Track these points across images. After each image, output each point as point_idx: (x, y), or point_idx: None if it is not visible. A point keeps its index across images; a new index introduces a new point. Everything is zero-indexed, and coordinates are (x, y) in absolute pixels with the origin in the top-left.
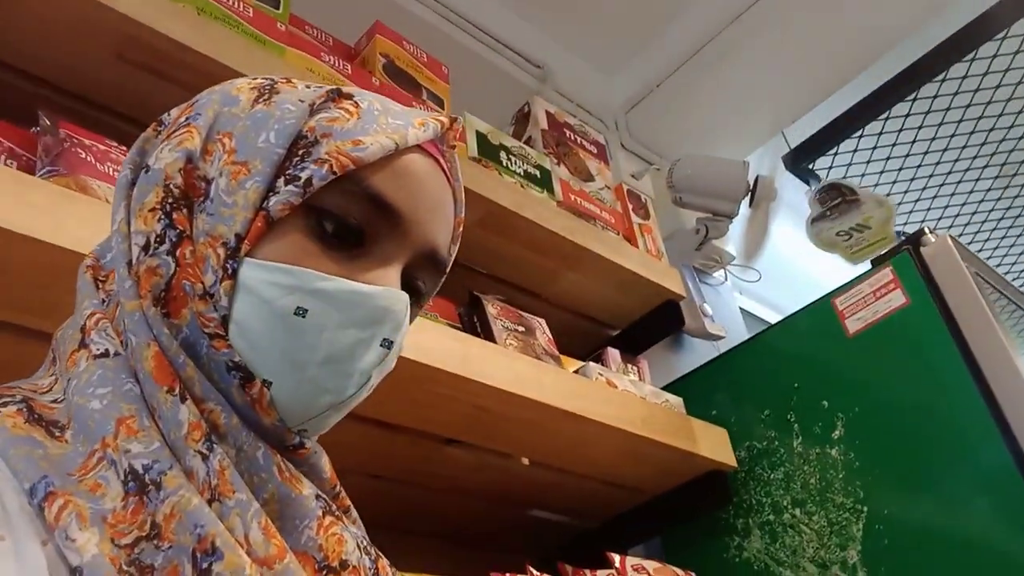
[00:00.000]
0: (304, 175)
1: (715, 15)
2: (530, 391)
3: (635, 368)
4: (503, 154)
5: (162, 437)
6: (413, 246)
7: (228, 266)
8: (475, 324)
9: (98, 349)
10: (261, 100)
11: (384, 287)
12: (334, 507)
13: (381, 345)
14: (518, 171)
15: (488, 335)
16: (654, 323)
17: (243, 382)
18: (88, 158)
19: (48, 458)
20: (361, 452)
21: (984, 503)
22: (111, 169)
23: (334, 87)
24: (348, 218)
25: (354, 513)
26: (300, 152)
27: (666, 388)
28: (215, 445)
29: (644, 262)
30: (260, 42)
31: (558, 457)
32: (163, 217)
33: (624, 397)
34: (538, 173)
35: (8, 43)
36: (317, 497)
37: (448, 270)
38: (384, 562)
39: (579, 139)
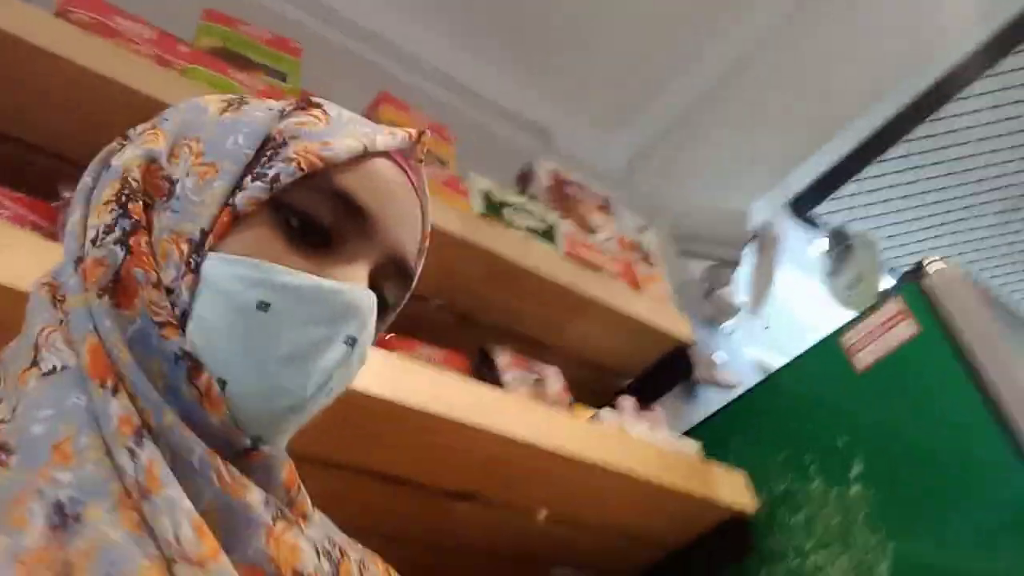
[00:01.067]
0: (272, 172)
1: (711, 71)
2: (543, 440)
3: (650, 416)
4: (507, 210)
5: (99, 452)
6: (380, 249)
7: (192, 260)
8: (486, 376)
9: (47, 366)
10: (230, 109)
11: (350, 283)
12: (288, 512)
13: (344, 343)
14: (522, 225)
15: (500, 386)
16: (666, 370)
17: (189, 373)
18: None
19: None
20: (370, 510)
21: (1010, 537)
22: None
23: (305, 96)
24: (316, 216)
25: (317, 516)
26: (268, 152)
27: (684, 435)
28: (145, 440)
29: (652, 309)
30: None
31: (575, 510)
32: (116, 208)
33: (640, 444)
34: (542, 227)
35: (31, 122)
36: (267, 503)
37: (414, 283)
38: (350, 564)
39: (582, 195)
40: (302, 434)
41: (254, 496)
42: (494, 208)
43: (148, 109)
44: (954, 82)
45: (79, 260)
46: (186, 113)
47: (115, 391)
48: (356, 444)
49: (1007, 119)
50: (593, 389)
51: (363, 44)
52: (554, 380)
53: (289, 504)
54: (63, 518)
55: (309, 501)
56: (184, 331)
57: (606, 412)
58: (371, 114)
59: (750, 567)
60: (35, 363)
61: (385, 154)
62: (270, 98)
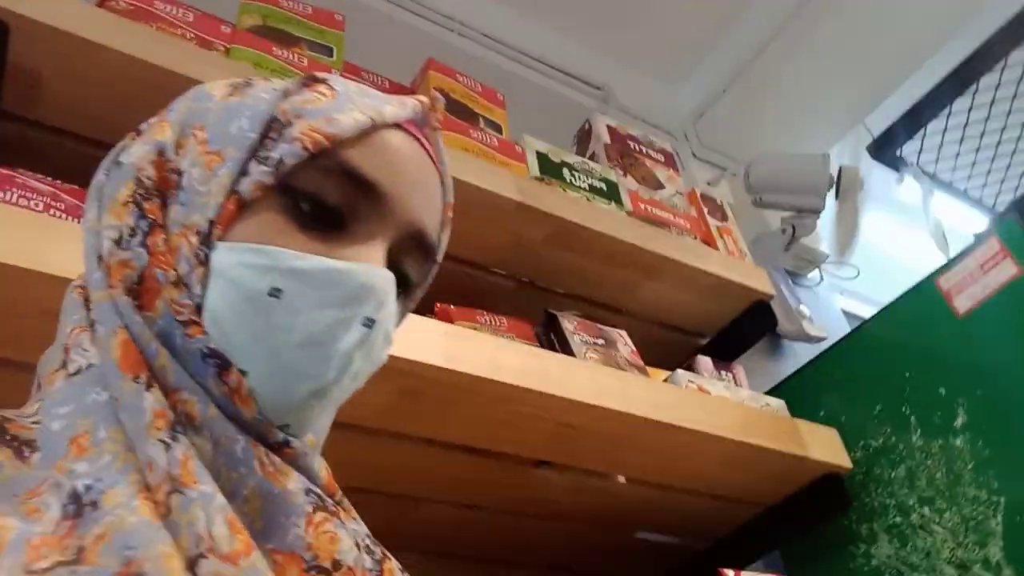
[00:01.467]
0: (276, 155)
1: (774, 13)
2: (615, 402)
3: (730, 375)
4: (566, 171)
5: (118, 446)
6: (397, 225)
7: (200, 252)
8: (553, 342)
9: (73, 367)
10: (235, 93)
11: (365, 264)
12: (328, 502)
13: (363, 324)
14: (583, 186)
15: (567, 351)
16: (745, 327)
17: (219, 370)
18: None
19: (2, 476)
20: (452, 481)
21: None
22: None
23: (309, 74)
24: (326, 197)
25: (361, 526)
26: (272, 135)
27: (767, 394)
28: (180, 435)
29: (726, 264)
30: None
31: (656, 472)
32: (135, 208)
33: (720, 403)
34: (604, 186)
35: (79, 116)
36: (307, 492)
37: (439, 258)
38: (393, 564)
39: (645, 149)
40: (370, 408)
41: (295, 484)
42: (553, 170)
43: None
44: None
45: (101, 257)
46: (191, 101)
47: (149, 385)
48: (425, 416)
49: None
50: (669, 350)
51: (407, 12)
52: (623, 343)
53: (337, 503)
54: (79, 506)
55: (354, 511)
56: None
57: (681, 373)
58: (419, 82)
59: (850, 524)
60: (63, 365)
61: (396, 126)
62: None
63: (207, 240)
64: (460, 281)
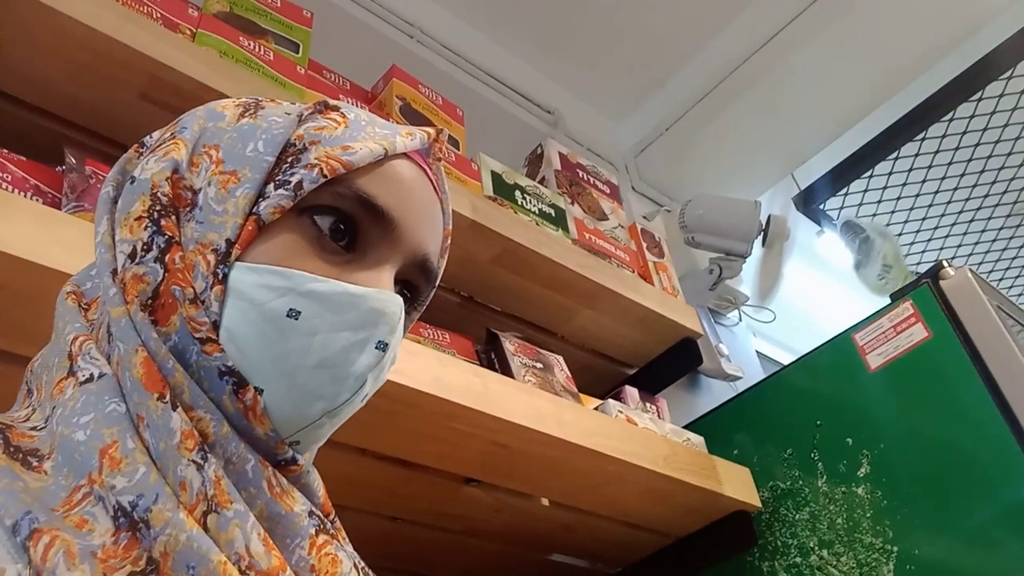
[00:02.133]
0: (295, 179)
1: (722, 60)
2: (550, 427)
3: (654, 407)
4: (518, 193)
5: (147, 456)
6: (405, 251)
7: (219, 271)
8: (493, 361)
9: (84, 375)
10: (247, 114)
11: (378, 289)
12: (328, 525)
13: (376, 348)
14: (533, 210)
15: (506, 371)
16: (672, 361)
17: (236, 388)
18: None
19: (29, 492)
20: (380, 492)
21: (1018, 541)
22: None
23: (321, 100)
24: (341, 221)
25: (350, 548)
26: (289, 159)
27: (686, 428)
28: (209, 455)
29: (661, 299)
30: (280, 84)
31: (578, 497)
32: (150, 225)
33: (645, 435)
34: (553, 212)
35: (34, 85)
36: (310, 514)
37: (438, 282)
38: None
39: (592, 179)
40: None
41: (300, 506)
42: (506, 191)
43: (156, 73)
44: (967, 84)
45: (115, 272)
46: (204, 120)
47: (174, 405)
48: (362, 426)
49: (1018, 123)
50: (597, 378)
51: (374, 16)
52: (560, 368)
53: (332, 524)
54: (132, 520)
55: (344, 534)
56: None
57: (612, 402)
58: (382, 88)
59: (753, 560)
60: (72, 372)
61: (404, 155)
62: (280, 67)
63: (225, 259)
64: None
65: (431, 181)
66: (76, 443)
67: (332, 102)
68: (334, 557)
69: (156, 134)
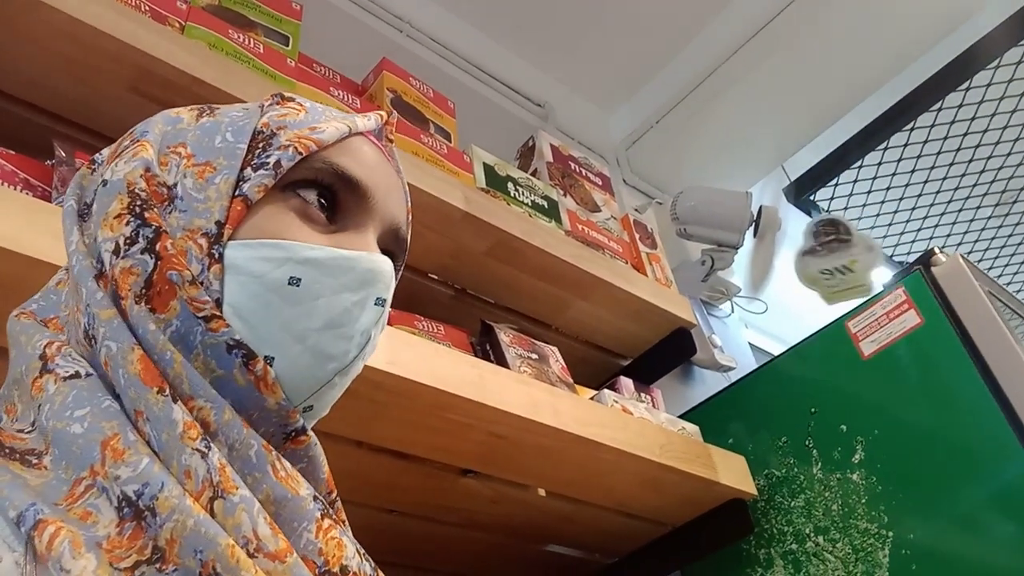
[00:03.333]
0: (272, 160)
1: (712, 52)
2: (546, 417)
3: (648, 397)
4: (510, 185)
5: (149, 448)
6: (380, 219)
7: (214, 251)
8: (488, 352)
9: (66, 372)
10: (205, 115)
11: (368, 252)
12: (330, 509)
13: (376, 304)
14: (525, 201)
15: (502, 363)
16: (666, 352)
17: (245, 361)
18: None
19: (31, 488)
20: (376, 485)
21: (1010, 524)
22: None
23: (276, 93)
24: (325, 183)
25: (349, 532)
26: (261, 144)
27: (680, 417)
28: (212, 443)
29: (654, 290)
30: (271, 76)
31: (575, 487)
32: (132, 219)
33: (641, 424)
34: (545, 204)
35: (22, 79)
36: (315, 499)
37: (407, 251)
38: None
39: (584, 171)
40: None
41: (305, 490)
42: (498, 183)
43: (146, 66)
44: (956, 73)
45: (97, 276)
46: (163, 125)
47: (175, 398)
48: (358, 417)
49: (1007, 112)
50: (592, 369)
51: (364, 11)
52: (555, 359)
53: (330, 505)
54: (137, 510)
55: (344, 514)
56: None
57: (607, 392)
58: (372, 81)
59: (749, 548)
60: (47, 370)
61: (361, 135)
62: (271, 60)
63: (218, 239)
64: (399, 285)
65: (388, 159)
66: (73, 436)
67: (287, 94)
68: (339, 541)
69: (107, 150)
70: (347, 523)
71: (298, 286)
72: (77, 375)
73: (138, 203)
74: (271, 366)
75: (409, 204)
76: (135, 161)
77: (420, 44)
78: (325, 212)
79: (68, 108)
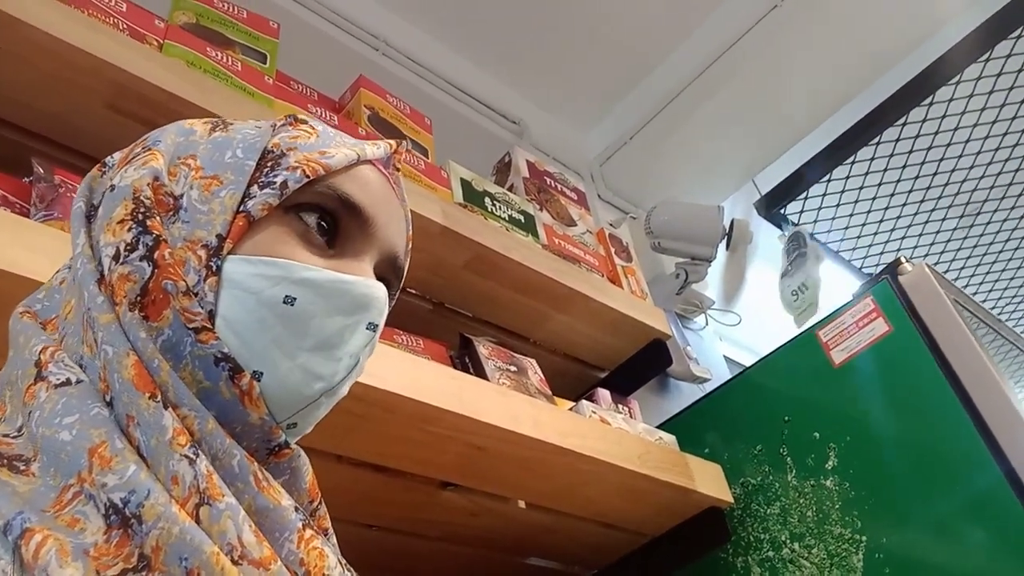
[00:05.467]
0: (279, 179)
1: (683, 70)
2: (526, 428)
3: (626, 408)
4: (487, 199)
5: (136, 455)
6: (380, 248)
7: (212, 264)
8: (467, 365)
9: (58, 379)
10: (217, 129)
11: (364, 277)
12: (311, 519)
13: (367, 328)
14: (503, 216)
15: (481, 375)
16: (642, 363)
17: (232, 374)
18: None
19: (18, 495)
20: (356, 499)
21: (980, 528)
22: None
23: (290, 114)
24: (328, 208)
25: (333, 539)
26: (270, 163)
27: (658, 428)
28: (200, 450)
29: (630, 302)
30: (249, 94)
31: (555, 498)
32: (134, 226)
33: (619, 434)
34: (522, 218)
35: (1, 96)
36: (296, 509)
37: (403, 279)
38: None
39: (560, 186)
40: None
41: (287, 500)
42: (475, 198)
43: (123, 83)
44: (918, 89)
45: (99, 280)
46: (175, 135)
47: (166, 404)
48: (337, 432)
49: (968, 126)
50: (570, 381)
51: (340, 31)
52: (533, 371)
53: (311, 515)
54: (124, 517)
55: (328, 520)
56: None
57: (586, 403)
58: (349, 98)
59: (727, 556)
60: (41, 377)
61: (369, 163)
62: (248, 78)
63: (217, 252)
64: None
65: (393, 188)
66: (61, 443)
67: (301, 116)
68: (321, 551)
69: (118, 154)
70: (331, 530)
71: (292, 305)
72: (68, 382)
73: (142, 210)
74: (259, 381)
75: (410, 232)
76: (144, 169)
77: (396, 63)
78: (325, 236)
79: (46, 125)
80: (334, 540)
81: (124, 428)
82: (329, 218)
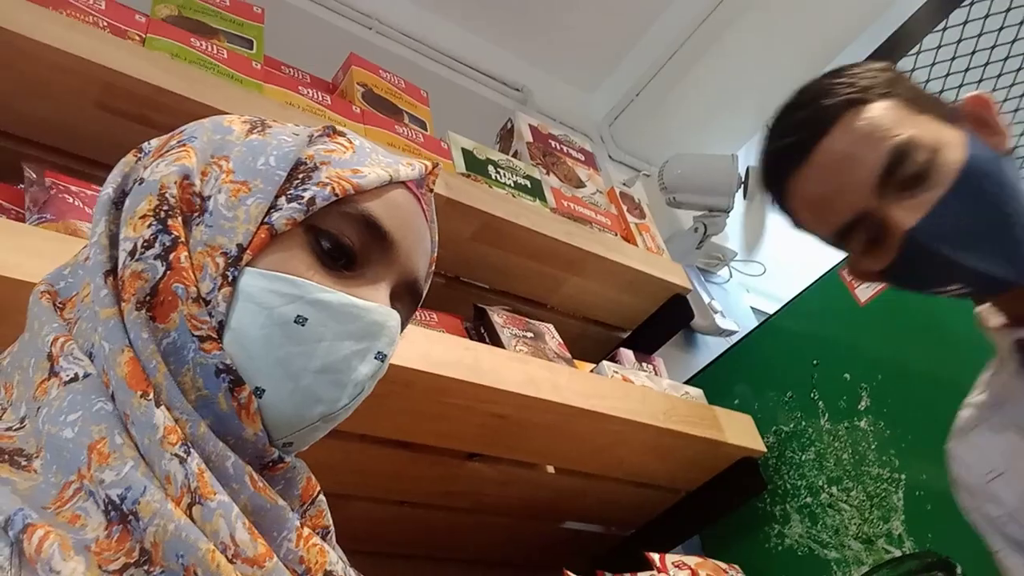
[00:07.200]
0: (307, 195)
1: (685, 18)
2: (545, 392)
3: (650, 366)
4: (491, 167)
5: (135, 451)
6: (399, 273)
7: (228, 274)
8: (483, 335)
9: (67, 375)
10: (255, 131)
11: (379, 304)
12: (307, 522)
13: (375, 357)
14: (508, 183)
15: (496, 344)
16: (664, 320)
17: (232, 386)
18: (76, 203)
19: (18, 492)
20: (383, 477)
21: None
22: None
23: (328, 125)
24: (344, 238)
25: (334, 539)
26: (301, 175)
27: (684, 383)
28: (192, 449)
29: (646, 259)
30: (237, 81)
31: (583, 461)
32: (155, 223)
33: (642, 391)
34: (528, 183)
35: None
36: (292, 510)
37: (420, 303)
38: None
39: (565, 148)
40: None
41: (282, 500)
42: (478, 167)
43: (109, 80)
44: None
45: (108, 272)
46: (211, 132)
47: (158, 403)
48: (359, 411)
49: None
50: (591, 344)
51: (330, 12)
52: (551, 336)
53: (302, 515)
54: (122, 513)
55: (328, 515)
56: (222, 343)
57: (606, 364)
58: (342, 78)
59: (764, 506)
60: (54, 372)
61: (403, 184)
62: (235, 64)
63: (236, 263)
64: None
65: (423, 210)
66: (64, 440)
67: (339, 128)
68: (321, 548)
69: (155, 141)
70: (331, 527)
71: (303, 325)
72: (76, 378)
73: (165, 208)
74: (260, 398)
75: (434, 254)
76: (175, 166)
77: (391, 39)
78: (345, 256)
79: (35, 130)
80: (334, 541)
81: (124, 424)
82: (352, 240)
